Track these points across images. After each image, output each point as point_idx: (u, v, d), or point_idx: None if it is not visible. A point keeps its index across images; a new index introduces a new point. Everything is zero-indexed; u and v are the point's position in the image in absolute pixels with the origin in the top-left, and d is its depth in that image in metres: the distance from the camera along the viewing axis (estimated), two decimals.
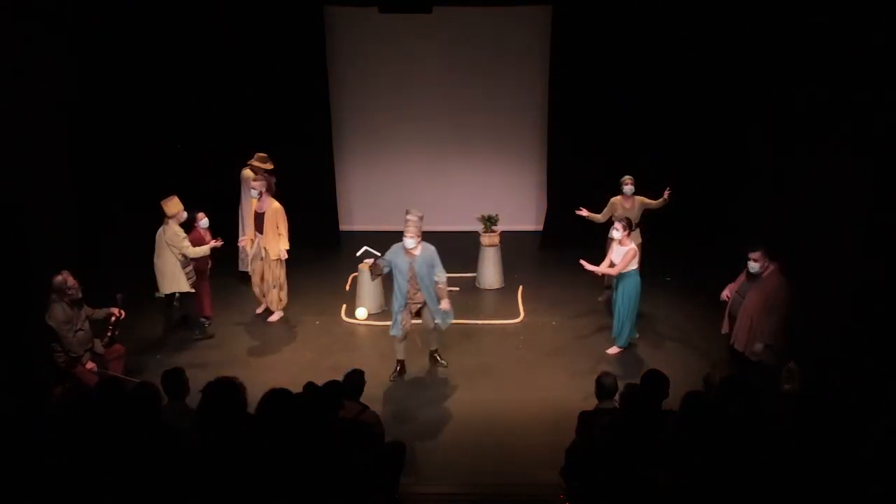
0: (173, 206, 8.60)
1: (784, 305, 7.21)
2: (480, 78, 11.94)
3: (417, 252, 7.80)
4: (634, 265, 8.31)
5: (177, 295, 8.90)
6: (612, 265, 8.40)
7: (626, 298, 8.38)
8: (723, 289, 7.87)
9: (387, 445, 5.82)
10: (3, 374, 7.22)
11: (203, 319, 9.23)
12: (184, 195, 8.83)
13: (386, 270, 7.93)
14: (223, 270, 10.37)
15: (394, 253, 7.86)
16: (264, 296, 9.49)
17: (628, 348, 8.71)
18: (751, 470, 4.42)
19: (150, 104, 10.87)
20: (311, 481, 4.37)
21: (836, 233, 8.01)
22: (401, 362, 8.23)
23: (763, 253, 7.30)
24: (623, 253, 8.28)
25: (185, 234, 8.65)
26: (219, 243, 8.87)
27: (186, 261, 8.67)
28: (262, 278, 9.39)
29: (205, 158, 11.11)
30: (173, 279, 8.65)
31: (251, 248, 9.31)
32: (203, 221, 8.99)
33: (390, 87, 12.06)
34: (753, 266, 7.34)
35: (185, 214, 8.68)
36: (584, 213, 9.49)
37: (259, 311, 9.65)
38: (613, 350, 8.67)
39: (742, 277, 7.62)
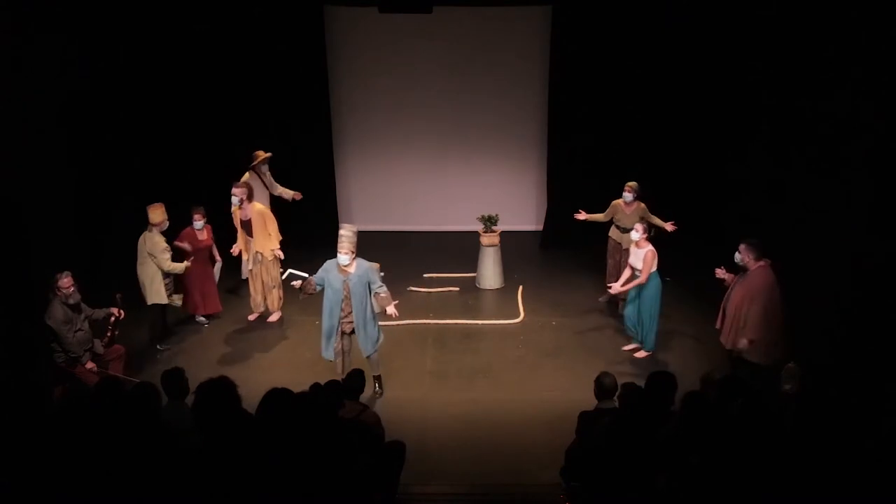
0: (157, 213, 8.42)
1: (763, 299, 7.14)
2: (480, 78, 11.93)
3: (352, 269, 7.39)
4: (654, 266, 8.22)
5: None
6: (632, 271, 8.34)
7: (648, 300, 8.30)
8: (723, 285, 7.70)
9: (387, 445, 5.83)
10: (3, 374, 7.23)
11: (202, 318, 9.24)
12: (182, 196, 8.82)
13: (318, 289, 7.48)
14: (225, 271, 10.40)
15: (326, 270, 7.43)
16: (264, 300, 9.43)
17: (628, 349, 8.71)
18: (750, 470, 4.42)
19: (149, 104, 10.87)
20: (312, 481, 4.37)
21: (835, 233, 8.01)
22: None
23: (748, 246, 7.21)
24: (642, 256, 8.19)
25: (165, 246, 8.44)
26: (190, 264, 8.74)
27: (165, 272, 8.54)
28: (262, 283, 9.33)
29: (204, 159, 11.10)
30: (152, 290, 8.51)
31: (245, 255, 9.23)
32: (198, 223, 8.94)
33: (390, 86, 12.05)
34: (736, 256, 7.29)
35: (167, 224, 8.51)
36: (582, 216, 9.49)
37: (252, 317, 9.54)
38: (641, 354, 8.57)
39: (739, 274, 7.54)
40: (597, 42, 11.01)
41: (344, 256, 7.32)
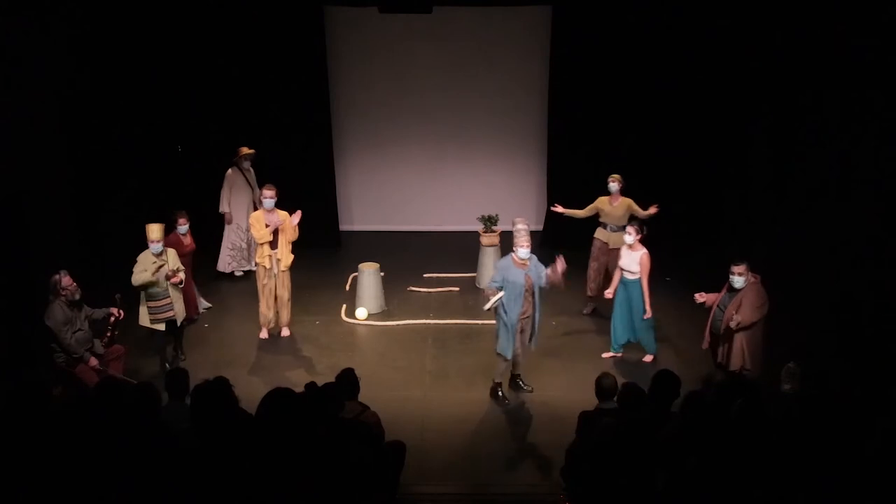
0: (149, 231, 7.92)
1: (754, 299, 7.05)
2: (480, 78, 11.93)
3: (530, 263, 7.42)
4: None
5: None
6: (622, 273, 8.27)
7: (638, 303, 8.24)
8: (709, 292, 7.59)
9: (387, 445, 5.83)
10: (3, 374, 7.23)
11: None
12: (180, 196, 8.78)
13: (502, 293, 7.38)
14: (219, 271, 10.42)
15: (504, 269, 7.38)
16: (277, 314, 9.01)
17: (628, 350, 8.69)
18: (750, 470, 4.42)
19: (149, 103, 10.87)
20: (312, 481, 4.37)
21: (836, 234, 8.02)
22: (499, 384, 7.80)
23: (747, 267, 7.10)
24: (638, 259, 8.13)
25: (140, 262, 7.87)
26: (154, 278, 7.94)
27: (158, 291, 7.94)
28: (277, 297, 8.91)
29: (204, 159, 11.10)
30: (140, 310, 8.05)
31: (269, 264, 8.70)
32: (182, 227, 8.75)
33: (390, 87, 12.05)
34: (738, 280, 7.07)
35: (154, 245, 7.87)
36: (559, 209, 9.48)
37: (263, 335, 9.05)
38: (648, 357, 8.51)
39: (724, 291, 7.34)
40: (597, 42, 11.01)
41: (524, 250, 7.34)
